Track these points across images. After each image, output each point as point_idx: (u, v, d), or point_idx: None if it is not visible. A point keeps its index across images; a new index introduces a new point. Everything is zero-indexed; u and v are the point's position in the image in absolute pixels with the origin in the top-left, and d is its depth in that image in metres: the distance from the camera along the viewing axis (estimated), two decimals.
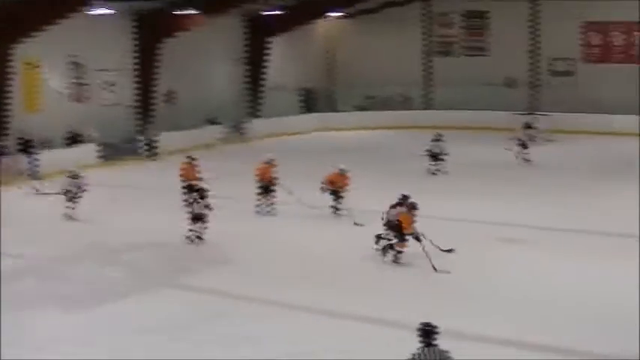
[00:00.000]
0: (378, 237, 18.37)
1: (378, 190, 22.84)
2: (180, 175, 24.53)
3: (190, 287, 17.28)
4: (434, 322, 9.70)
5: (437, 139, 29.25)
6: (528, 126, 31.32)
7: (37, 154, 30.19)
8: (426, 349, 9.45)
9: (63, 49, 32.81)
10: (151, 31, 35.24)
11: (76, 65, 33.91)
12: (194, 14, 35.24)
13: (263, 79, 42.01)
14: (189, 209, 20.25)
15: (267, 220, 22.98)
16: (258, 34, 41.39)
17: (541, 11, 41.36)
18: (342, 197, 22.71)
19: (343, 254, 19.28)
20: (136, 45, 35.77)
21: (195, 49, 37.87)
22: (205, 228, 20.16)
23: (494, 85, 40.90)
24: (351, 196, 22.74)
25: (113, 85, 35.23)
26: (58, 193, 23.44)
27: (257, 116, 41.38)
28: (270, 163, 23.68)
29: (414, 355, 9.43)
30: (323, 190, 22.63)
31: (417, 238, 17.72)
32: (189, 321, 14.78)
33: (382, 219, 18.25)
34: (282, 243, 20.45)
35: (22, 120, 30.68)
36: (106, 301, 16.08)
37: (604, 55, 40.35)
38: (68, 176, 23.45)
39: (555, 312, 14.90)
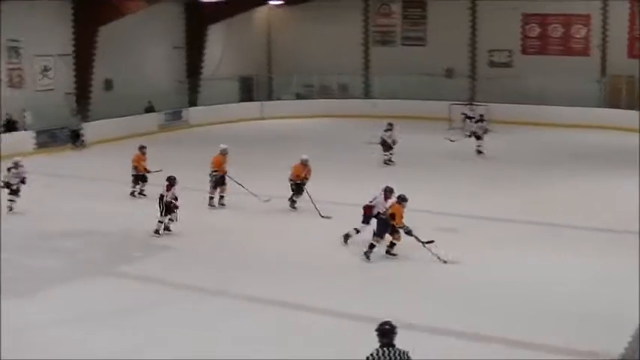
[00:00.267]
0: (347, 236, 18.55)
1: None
2: (134, 167, 23.92)
3: (128, 275, 17.17)
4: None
5: (389, 129, 28.98)
6: (481, 118, 30.92)
7: None
8: (384, 349, 9.05)
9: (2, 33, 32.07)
10: (89, 16, 34.55)
11: (14, 50, 33.18)
12: (132, 0, 34.68)
13: (202, 67, 41.60)
14: (159, 202, 19.68)
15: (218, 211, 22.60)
16: (198, 21, 40.94)
17: (480, 2, 41.48)
18: (302, 191, 22.00)
19: (294, 243, 19.25)
20: (74, 31, 35.11)
21: (134, 36, 37.44)
22: (171, 220, 19.80)
23: (433, 76, 40.91)
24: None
25: (48, 70, 34.54)
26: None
27: (195, 104, 40.93)
28: (224, 154, 23.00)
29: (370, 355, 9.03)
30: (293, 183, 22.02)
31: (409, 232, 17.50)
32: (127, 309, 14.77)
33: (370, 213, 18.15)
34: (226, 232, 20.27)
35: None
36: (43, 288, 15.92)
37: (542, 47, 40.66)
38: (9, 168, 22.44)
39: (483, 299, 15.23)
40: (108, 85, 37.02)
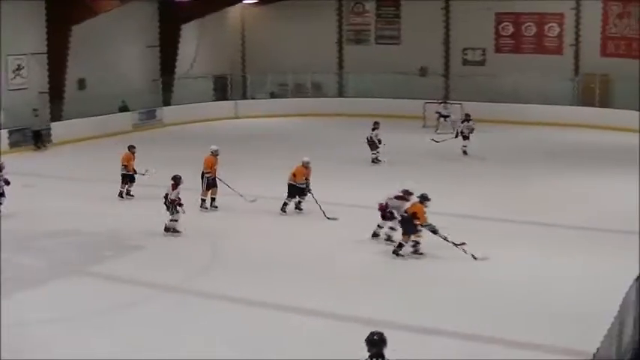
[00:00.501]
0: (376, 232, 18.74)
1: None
2: (124, 165, 23.59)
3: (102, 275, 17.12)
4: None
5: (375, 128, 28.89)
6: (467, 118, 30.75)
7: None
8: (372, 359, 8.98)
9: None
10: (62, 15, 34.24)
11: None
12: None
13: (175, 66, 41.40)
14: (165, 200, 19.62)
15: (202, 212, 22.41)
16: (171, 20, 40.72)
17: (454, 1, 41.58)
18: (305, 193, 21.63)
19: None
20: (47, 30, 34.80)
21: (108, 35, 37.17)
22: (174, 221, 19.73)
23: (407, 74, 40.95)
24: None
25: (21, 69, 34.24)
26: None
27: (169, 103, 40.74)
28: (215, 155, 22.56)
29: None
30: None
31: (434, 231, 17.62)
32: (102, 309, 14.75)
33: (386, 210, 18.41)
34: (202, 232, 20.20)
35: None
36: (18, 288, 15.80)
37: (516, 45, 40.80)
38: None
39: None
40: (81, 84, 36.69)
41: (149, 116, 38.97)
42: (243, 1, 43.64)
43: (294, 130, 37.60)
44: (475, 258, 17.26)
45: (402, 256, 17.73)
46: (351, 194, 23.01)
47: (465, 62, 41.88)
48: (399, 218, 18.11)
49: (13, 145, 32.14)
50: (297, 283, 16.34)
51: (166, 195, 19.60)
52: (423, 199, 17.81)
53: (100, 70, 36.77)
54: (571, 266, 17.10)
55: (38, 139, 33.12)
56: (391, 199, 18.43)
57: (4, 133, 32.13)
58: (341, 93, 44.41)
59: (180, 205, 19.57)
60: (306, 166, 21.71)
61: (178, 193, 19.55)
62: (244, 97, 44.64)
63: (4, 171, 21.89)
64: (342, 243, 18.97)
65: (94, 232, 20.12)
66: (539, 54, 40.04)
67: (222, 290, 15.76)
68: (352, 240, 19.09)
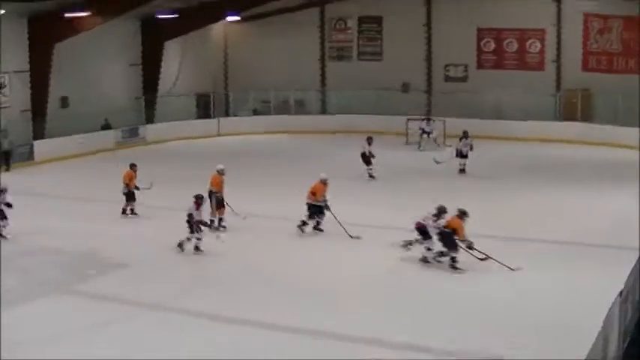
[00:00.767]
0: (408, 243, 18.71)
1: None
2: (126, 184, 23.32)
3: (85, 293, 17.03)
4: None
5: (369, 143, 28.91)
6: (465, 135, 30.20)
7: None
8: None
9: None
10: (44, 33, 34.24)
11: None
12: (86, 17, 34.42)
13: (158, 84, 41.38)
14: (189, 218, 19.37)
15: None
16: (154, 38, 40.74)
17: (435, 17, 41.72)
18: (324, 212, 21.02)
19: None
20: (29, 48, 34.80)
21: (90, 53, 37.18)
22: (199, 239, 19.56)
23: (389, 90, 41.06)
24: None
25: (4, 87, 34.11)
26: None
27: (152, 121, 40.69)
28: (222, 174, 22.11)
29: None
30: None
31: (470, 247, 17.77)
32: (84, 328, 14.65)
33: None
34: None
35: None
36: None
37: (498, 61, 40.97)
38: None
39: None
40: (64, 102, 36.68)
41: (132, 134, 38.91)
42: (226, 19, 43.68)
43: (277, 147, 37.62)
44: (512, 269, 17.42)
45: (458, 269, 17.84)
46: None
47: (447, 78, 42.03)
48: (436, 237, 18.18)
49: None
50: (280, 300, 16.30)
51: (190, 215, 19.32)
52: (462, 214, 17.94)
53: (82, 88, 36.78)
54: (552, 281, 17.13)
55: (8, 159, 32.29)
56: (429, 217, 18.31)
57: None
58: (324, 110, 44.50)
59: (207, 224, 19.63)
60: (324, 182, 21.12)
61: (201, 213, 19.47)
62: (227, 114, 44.72)
63: (6, 194, 21.37)
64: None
65: (76, 250, 19.99)
66: (521, 70, 40.24)
67: (206, 309, 15.68)
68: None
